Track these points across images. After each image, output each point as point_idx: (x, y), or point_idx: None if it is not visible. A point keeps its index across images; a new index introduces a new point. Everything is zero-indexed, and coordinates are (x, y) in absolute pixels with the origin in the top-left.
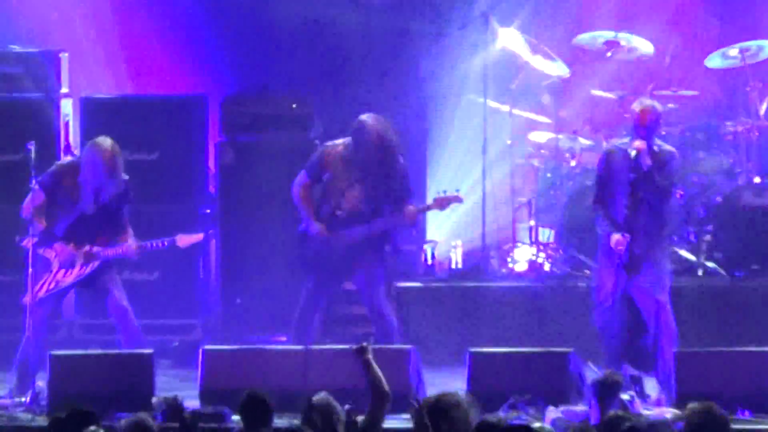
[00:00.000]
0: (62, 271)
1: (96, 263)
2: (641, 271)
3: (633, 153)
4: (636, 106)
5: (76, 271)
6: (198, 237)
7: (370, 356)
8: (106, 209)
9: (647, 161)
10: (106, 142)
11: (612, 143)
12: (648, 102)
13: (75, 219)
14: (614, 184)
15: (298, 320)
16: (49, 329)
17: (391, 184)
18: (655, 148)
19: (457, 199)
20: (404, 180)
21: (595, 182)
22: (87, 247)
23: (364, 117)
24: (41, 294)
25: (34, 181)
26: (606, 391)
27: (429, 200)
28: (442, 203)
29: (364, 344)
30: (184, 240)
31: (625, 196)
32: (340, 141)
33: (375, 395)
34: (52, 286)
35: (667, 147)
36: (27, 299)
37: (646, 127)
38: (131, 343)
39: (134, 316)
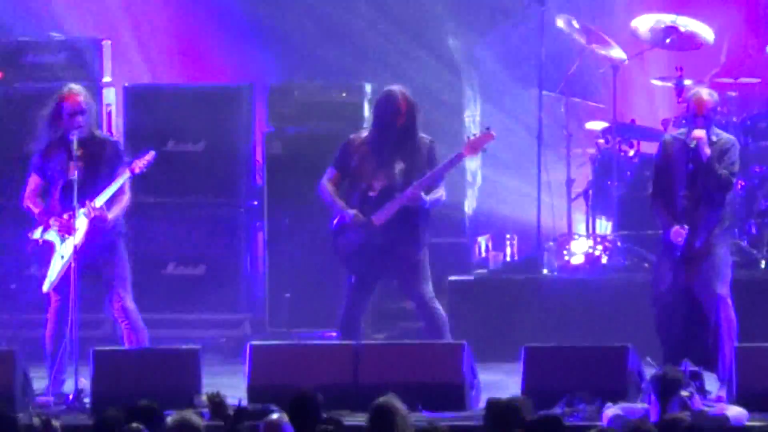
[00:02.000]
0: (63, 245)
1: (85, 224)
2: (701, 265)
3: (693, 143)
4: (693, 95)
5: (71, 239)
6: (149, 155)
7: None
8: (93, 173)
9: (706, 151)
10: (69, 86)
11: (670, 133)
12: (705, 90)
13: (62, 188)
14: (673, 175)
15: (345, 317)
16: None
17: (418, 156)
18: (714, 137)
19: (489, 137)
20: (432, 158)
21: (653, 173)
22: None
23: (392, 86)
24: (54, 279)
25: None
26: (666, 387)
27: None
28: (474, 145)
29: None
30: (137, 165)
31: (684, 187)
32: (363, 129)
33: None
34: (54, 276)
35: (726, 135)
36: (44, 288)
37: (704, 116)
38: (138, 343)
39: (140, 315)
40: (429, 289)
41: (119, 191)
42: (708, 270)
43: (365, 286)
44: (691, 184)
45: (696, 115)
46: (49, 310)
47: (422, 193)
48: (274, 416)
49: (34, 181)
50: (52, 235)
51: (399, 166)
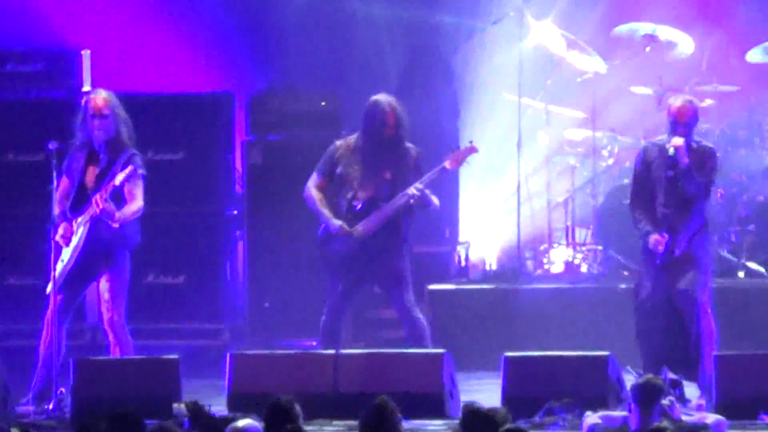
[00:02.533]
0: (65, 250)
1: (85, 225)
2: (682, 272)
3: (671, 150)
4: (673, 102)
5: (71, 241)
6: (129, 169)
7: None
8: (108, 178)
9: (685, 159)
10: (97, 89)
11: (649, 140)
12: (685, 98)
13: (76, 192)
14: (652, 183)
15: (326, 325)
16: (72, 335)
17: (404, 166)
18: (694, 144)
19: (472, 150)
20: (418, 168)
21: (632, 181)
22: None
23: (378, 96)
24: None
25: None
26: (646, 396)
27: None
28: (457, 158)
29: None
30: (118, 177)
31: (664, 194)
32: (352, 135)
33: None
34: (59, 270)
35: (706, 143)
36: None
37: (684, 123)
38: (125, 352)
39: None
40: (411, 297)
41: (131, 197)
42: (689, 278)
43: (349, 294)
44: (670, 191)
45: (676, 122)
46: (46, 313)
47: (427, 192)
48: (239, 423)
49: (62, 183)
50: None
51: (386, 176)
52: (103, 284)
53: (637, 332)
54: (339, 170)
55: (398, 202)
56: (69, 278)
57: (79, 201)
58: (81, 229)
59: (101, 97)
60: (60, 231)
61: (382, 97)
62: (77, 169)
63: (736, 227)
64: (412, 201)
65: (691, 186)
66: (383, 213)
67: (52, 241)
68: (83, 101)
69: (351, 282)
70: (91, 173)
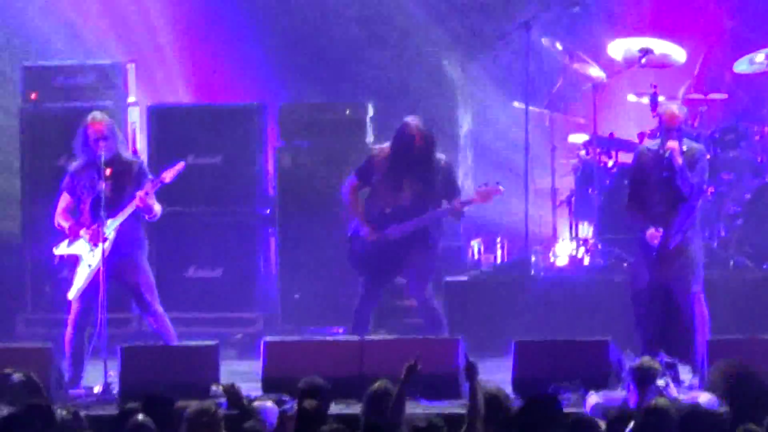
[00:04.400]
0: (90, 254)
1: (113, 231)
2: (676, 264)
3: (666, 153)
4: (665, 110)
5: (99, 248)
6: (179, 166)
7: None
8: (119, 189)
9: (679, 160)
10: (93, 114)
11: (644, 144)
12: (676, 105)
13: (92, 203)
14: (648, 183)
15: (357, 313)
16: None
17: (435, 180)
18: (685, 147)
19: (498, 191)
20: (449, 176)
21: (629, 182)
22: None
23: (408, 118)
24: (81, 287)
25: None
26: (643, 377)
27: (471, 194)
28: (485, 196)
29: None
30: (167, 175)
31: (659, 193)
32: (386, 144)
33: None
34: (81, 283)
35: (696, 146)
36: (70, 296)
37: (675, 129)
38: (169, 341)
39: (166, 314)
40: (430, 289)
41: (149, 213)
42: (682, 269)
43: (377, 287)
44: (665, 190)
45: (668, 128)
46: (69, 316)
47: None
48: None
49: (64, 199)
50: (77, 247)
51: (412, 188)
52: (134, 282)
53: (635, 319)
54: (375, 178)
55: (434, 213)
56: (95, 282)
57: (95, 211)
58: (110, 236)
59: (102, 121)
60: (86, 237)
61: (411, 119)
62: (86, 186)
63: (725, 222)
64: (451, 215)
65: (685, 185)
66: (414, 223)
67: (63, 255)
68: (83, 126)
69: (378, 275)
70: (101, 186)
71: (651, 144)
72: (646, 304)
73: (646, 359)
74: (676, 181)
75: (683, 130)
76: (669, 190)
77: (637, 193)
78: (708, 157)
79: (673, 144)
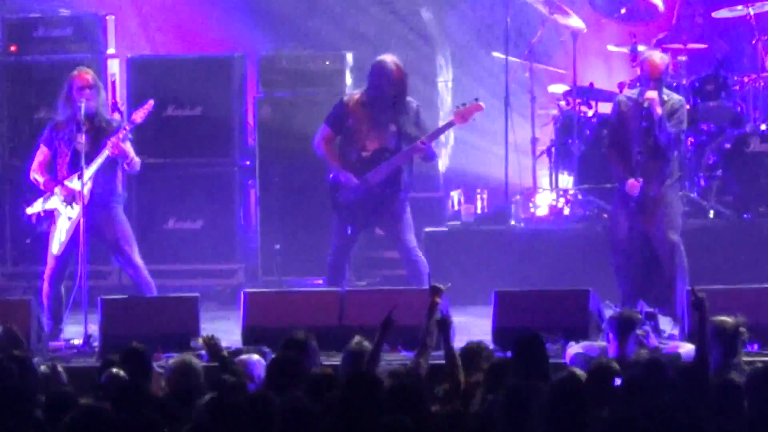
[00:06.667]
0: (68, 208)
1: (89, 182)
2: (656, 214)
3: (646, 104)
4: (646, 58)
5: (78, 200)
6: (149, 105)
7: (439, 300)
8: (97, 143)
9: (658, 111)
10: (80, 67)
11: (624, 93)
12: (657, 54)
13: (70, 157)
14: (628, 132)
15: (333, 264)
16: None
17: (407, 119)
18: (665, 96)
19: (479, 107)
20: (419, 118)
21: (608, 131)
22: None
23: (383, 56)
24: (65, 240)
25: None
26: (622, 327)
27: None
28: (464, 115)
29: (442, 286)
30: (137, 115)
31: (639, 143)
32: (356, 90)
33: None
34: (63, 236)
35: (676, 96)
36: (53, 250)
37: (656, 78)
38: (148, 293)
39: (145, 267)
40: (412, 238)
41: (125, 158)
42: (662, 219)
43: (354, 236)
44: (645, 140)
45: (649, 77)
46: (45, 270)
47: (432, 145)
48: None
49: (41, 153)
50: (53, 202)
51: (391, 129)
52: (112, 235)
53: (615, 269)
54: (349, 123)
55: (405, 152)
56: (73, 235)
57: (75, 164)
58: (86, 187)
59: (89, 72)
60: (62, 193)
61: (387, 57)
62: (65, 139)
63: (704, 173)
64: (419, 154)
65: (663, 135)
66: (391, 163)
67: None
68: (69, 78)
69: (357, 225)
70: (81, 139)
71: (630, 93)
72: (626, 253)
73: (625, 309)
74: (655, 131)
75: (663, 79)
76: (648, 141)
77: (617, 143)
78: (687, 107)
79: (652, 94)
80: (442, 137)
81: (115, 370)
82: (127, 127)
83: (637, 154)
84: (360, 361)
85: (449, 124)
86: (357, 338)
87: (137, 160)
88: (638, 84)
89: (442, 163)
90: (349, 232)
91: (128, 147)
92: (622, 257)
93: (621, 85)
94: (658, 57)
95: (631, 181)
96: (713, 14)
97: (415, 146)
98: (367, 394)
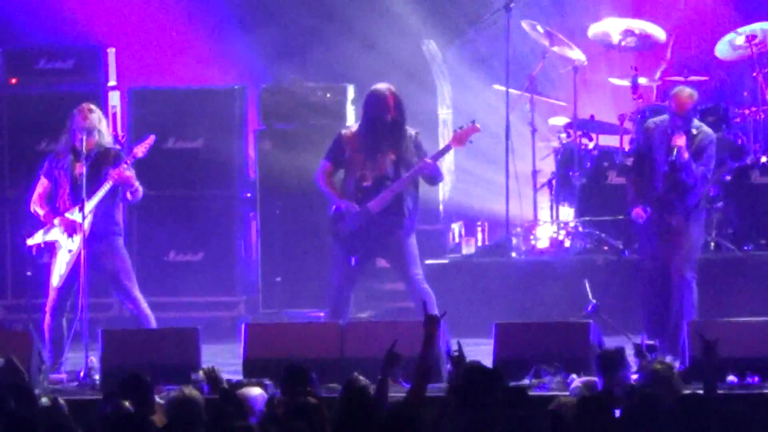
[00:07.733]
0: (69, 240)
1: (90, 214)
2: (674, 244)
3: (674, 151)
4: (675, 94)
5: (79, 232)
6: (150, 139)
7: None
8: (97, 173)
9: (685, 155)
10: (87, 104)
11: (652, 120)
12: (687, 91)
13: (70, 187)
14: (653, 162)
15: (336, 298)
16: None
17: (405, 147)
18: (694, 130)
19: (475, 129)
20: (419, 144)
21: (634, 154)
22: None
23: (377, 85)
24: (64, 273)
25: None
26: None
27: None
28: (461, 137)
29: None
30: (139, 149)
31: (663, 180)
32: (354, 124)
33: (423, 369)
34: (63, 268)
35: (705, 129)
36: (53, 282)
37: (683, 116)
38: (147, 326)
39: (144, 300)
40: (418, 270)
41: (130, 187)
42: (678, 251)
43: (357, 268)
44: (669, 177)
45: (675, 113)
46: (47, 302)
47: (437, 163)
48: (246, 390)
49: (41, 185)
50: (53, 234)
51: (390, 157)
52: (112, 268)
53: (639, 293)
54: (347, 155)
55: (410, 175)
56: (74, 267)
57: (75, 195)
58: (87, 220)
59: (92, 112)
60: (62, 225)
61: (381, 86)
62: (64, 169)
63: (706, 205)
64: (426, 172)
65: (690, 177)
66: (393, 189)
67: (40, 243)
68: (73, 113)
69: (360, 256)
70: (80, 169)
71: (659, 120)
72: (644, 279)
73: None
74: (681, 175)
75: (691, 116)
76: (673, 178)
77: (639, 167)
78: (715, 141)
79: (680, 141)
80: (443, 169)
81: (120, 401)
82: (129, 161)
83: (661, 186)
84: (359, 400)
85: (447, 148)
86: (354, 379)
87: (140, 188)
88: (648, 114)
89: (443, 195)
90: (353, 263)
91: (132, 175)
92: (641, 281)
93: (622, 117)
94: (687, 94)
95: (637, 209)
96: (715, 53)
97: (422, 164)
98: (364, 415)
